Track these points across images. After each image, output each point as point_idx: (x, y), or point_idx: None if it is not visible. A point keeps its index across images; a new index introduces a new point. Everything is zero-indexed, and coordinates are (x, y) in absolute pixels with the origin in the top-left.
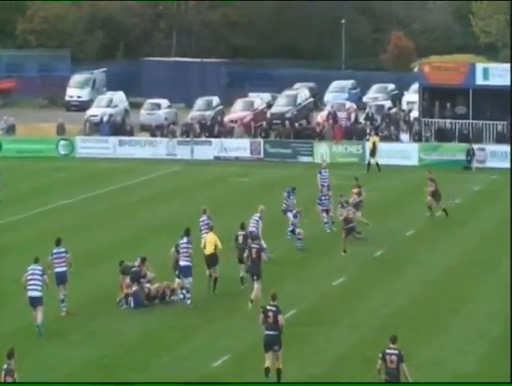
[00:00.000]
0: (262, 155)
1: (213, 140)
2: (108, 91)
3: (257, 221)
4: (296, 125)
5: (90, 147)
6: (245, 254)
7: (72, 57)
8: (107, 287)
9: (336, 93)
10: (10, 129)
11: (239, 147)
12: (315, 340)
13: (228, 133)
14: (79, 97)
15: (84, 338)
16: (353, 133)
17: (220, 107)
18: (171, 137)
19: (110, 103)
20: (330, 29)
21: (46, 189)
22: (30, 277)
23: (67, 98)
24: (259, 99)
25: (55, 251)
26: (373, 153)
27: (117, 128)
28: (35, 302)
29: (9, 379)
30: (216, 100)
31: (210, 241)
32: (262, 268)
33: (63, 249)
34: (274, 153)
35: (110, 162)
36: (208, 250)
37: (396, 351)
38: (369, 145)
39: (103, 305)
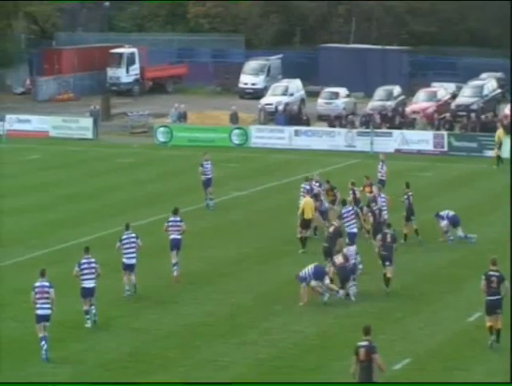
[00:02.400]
0: (445, 149)
1: (394, 131)
2: (283, 78)
3: None
4: (482, 117)
5: (265, 137)
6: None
7: (246, 42)
8: (278, 284)
9: None
10: (182, 117)
11: (421, 140)
12: None
13: (410, 124)
14: (253, 85)
15: (259, 338)
16: None
17: (402, 97)
18: (349, 128)
19: (286, 91)
20: None
21: (218, 180)
22: (85, 267)
23: (240, 85)
24: (443, 89)
25: (171, 219)
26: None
27: (293, 117)
28: (89, 293)
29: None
30: (397, 89)
31: (308, 205)
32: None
33: (178, 218)
34: (459, 146)
35: (285, 154)
36: (307, 215)
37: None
38: (497, 138)
39: (277, 303)
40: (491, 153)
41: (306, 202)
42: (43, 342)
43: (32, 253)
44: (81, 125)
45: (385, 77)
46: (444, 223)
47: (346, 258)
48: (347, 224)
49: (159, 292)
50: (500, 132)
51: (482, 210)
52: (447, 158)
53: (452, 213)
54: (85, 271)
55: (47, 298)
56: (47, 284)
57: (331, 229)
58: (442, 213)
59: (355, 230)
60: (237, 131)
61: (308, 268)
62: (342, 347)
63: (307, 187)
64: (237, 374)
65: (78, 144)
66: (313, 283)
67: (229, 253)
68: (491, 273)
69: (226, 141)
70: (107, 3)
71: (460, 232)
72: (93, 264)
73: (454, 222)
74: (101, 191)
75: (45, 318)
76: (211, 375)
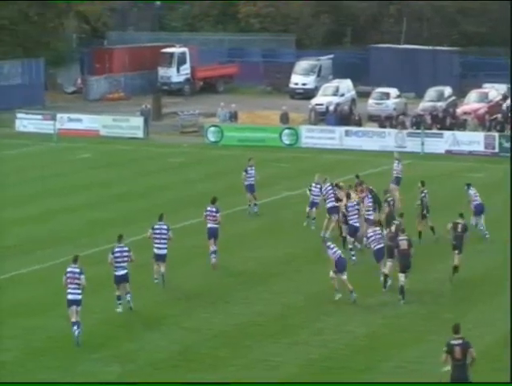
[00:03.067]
0: (496, 150)
1: (445, 132)
2: (334, 79)
3: None
4: None
5: (315, 137)
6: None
7: (297, 42)
8: (328, 285)
9: None
10: (232, 116)
11: (472, 141)
12: None
13: (461, 125)
14: (304, 85)
15: (311, 338)
16: None
17: (453, 98)
18: (400, 129)
19: (337, 91)
20: None
21: (269, 180)
22: (117, 256)
23: (291, 85)
24: (494, 90)
25: (208, 208)
26: None
27: (344, 118)
28: (120, 280)
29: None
30: (448, 90)
31: None
32: None
33: (214, 209)
34: (510, 148)
35: (336, 154)
36: None
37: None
38: None
39: (328, 304)
40: None
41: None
42: (75, 328)
43: (82, 252)
44: (132, 125)
45: (435, 78)
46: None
47: (410, 244)
48: (350, 218)
49: (210, 291)
50: None
51: None
52: (498, 160)
53: (478, 202)
54: (118, 259)
55: (78, 284)
56: (77, 270)
57: (393, 228)
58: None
59: (357, 224)
60: (287, 131)
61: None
62: (390, 348)
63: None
64: (288, 374)
65: (128, 143)
66: (331, 274)
67: (279, 253)
68: None
69: (276, 141)
70: (158, 2)
71: (481, 222)
72: (126, 253)
73: (478, 210)
74: (151, 191)
75: (75, 302)
76: (262, 375)
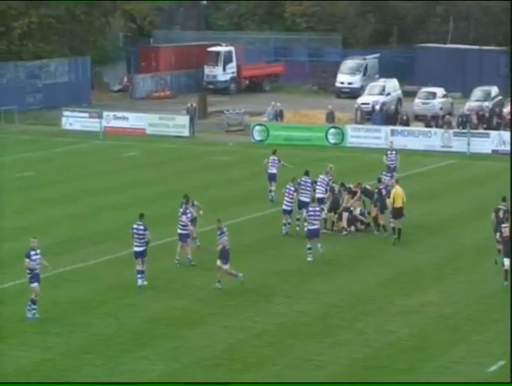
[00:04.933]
0: None
1: (491, 132)
2: (380, 78)
3: None
4: None
5: (361, 136)
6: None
7: (343, 42)
8: (370, 284)
9: None
10: (278, 115)
11: None
12: None
13: (507, 125)
14: (350, 84)
15: (353, 337)
16: None
17: (500, 98)
18: (446, 128)
19: (383, 91)
20: None
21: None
22: (134, 232)
23: (337, 84)
24: None
25: (135, 226)
26: None
27: (390, 117)
28: (137, 255)
29: None
30: (494, 90)
31: (399, 195)
32: None
33: (142, 227)
34: None
35: (381, 153)
36: (398, 203)
37: None
38: None
39: (370, 304)
40: None
41: (396, 191)
42: (139, 275)
43: (128, 249)
44: (178, 123)
45: (482, 78)
46: None
47: None
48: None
49: (254, 290)
50: None
51: None
52: None
53: None
54: (135, 236)
55: (142, 238)
56: (142, 227)
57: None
58: None
59: (307, 199)
60: (333, 130)
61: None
62: (435, 349)
63: (292, 189)
64: (332, 373)
65: (174, 142)
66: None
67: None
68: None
69: (322, 140)
70: (204, 2)
71: None
72: (141, 231)
73: None
74: (196, 189)
75: (141, 254)
76: (305, 374)
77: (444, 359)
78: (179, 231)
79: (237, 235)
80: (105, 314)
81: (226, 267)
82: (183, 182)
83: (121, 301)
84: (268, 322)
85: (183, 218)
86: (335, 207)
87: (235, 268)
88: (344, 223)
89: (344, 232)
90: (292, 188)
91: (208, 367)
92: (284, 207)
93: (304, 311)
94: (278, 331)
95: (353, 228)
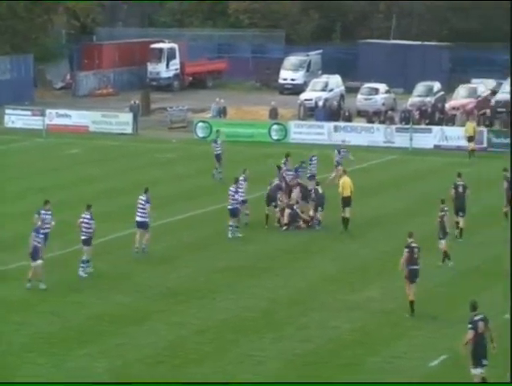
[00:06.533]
0: (485, 145)
1: (434, 128)
2: (323, 74)
3: None
4: None
5: (304, 132)
6: None
7: (286, 38)
8: (314, 280)
9: None
10: (221, 112)
11: (461, 136)
12: None
13: (449, 120)
14: (293, 80)
15: (296, 333)
16: None
17: (442, 93)
18: (388, 124)
19: (326, 87)
20: None
21: (257, 175)
22: (138, 205)
23: (280, 81)
24: (483, 85)
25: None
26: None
27: (333, 113)
28: (139, 225)
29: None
30: (437, 85)
31: (347, 184)
32: None
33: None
34: (499, 143)
35: (324, 149)
36: (346, 192)
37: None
38: (467, 131)
39: (314, 300)
40: None
41: (345, 181)
42: (83, 265)
43: (71, 247)
44: (121, 120)
45: (424, 73)
46: None
47: None
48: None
49: (198, 286)
50: (469, 126)
51: None
52: (486, 155)
53: None
54: (82, 225)
55: (89, 228)
56: (88, 217)
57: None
58: None
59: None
60: (276, 126)
61: None
62: (377, 344)
63: (233, 190)
64: (272, 369)
65: (117, 139)
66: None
67: (267, 249)
68: (412, 244)
69: (265, 137)
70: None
71: None
72: (86, 221)
73: None
74: (139, 186)
75: (86, 242)
76: (247, 370)
77: (386, 353)
78: (141, 219)
79: (181, 231)
80: (48, 312)
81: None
82: (126, 179)
83: (65, 298)
84: (212, 318)
85: (147, 206)
86: (270, 200)
87: (180, 264)
88: (285, 220)
89: (284, 228)
90: (233, 189)
91: (150, 364)
92: (228, 206)
93: (248, 307)
94: (221, 327)
95: (294, 225)
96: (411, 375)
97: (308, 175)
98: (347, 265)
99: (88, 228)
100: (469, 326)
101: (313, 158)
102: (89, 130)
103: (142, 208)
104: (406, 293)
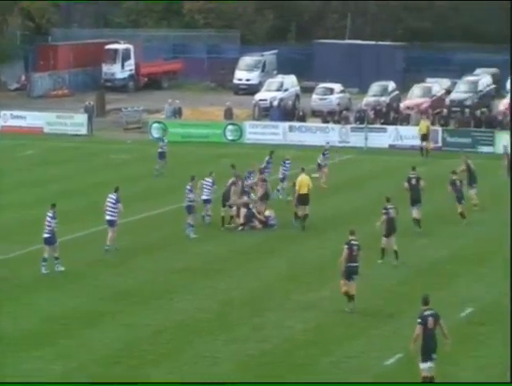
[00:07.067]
0: (439, 144)
1: (388, 127)
2: (278, 74)
3: None
4: (477, 113)
5: (259, 133)
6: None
7: (241, 38)
8: (268, 281)
9: None
10: (176, 113)
11: (416, 135)
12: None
13: (404, 120)
14: (248, 80)
15: (251, 333)
16: None
17: (396, 92)
18: (343, 124)
19: (281, 87)
20: None
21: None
22: (107, 204)
23: (235, 81)
24: (437, 85)
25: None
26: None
27: (288, 113)
28: (109, 224)
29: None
30: (391, 85)
31: (304, 182)
32: None
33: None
34: (453, 142)
35: (280, 149)
36: (303, 190)
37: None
38: (420, 130)
39: (269, 300)
40: (485, 149)
41: (302, 179)
42: (44, 263)
43: (29, 248)
44: (76, 121)
45: (379, 73)
46: None
47: None
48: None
49: (155, 287)
50: (422, 124)
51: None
52: (441, 154)
53: None
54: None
55: (49, 226)
56: (51, 215)
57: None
58: None
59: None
60: (231, 127)
61: None
62: (331, 343)
63: (189, 188)
64: (226, 370)
65: (72, 140)
66: None
67: (222, 250)
68: (352, 242)
69: (220, 137)
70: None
71: None
72: (49, 219)
73: None
74: (94, 187)
75: (48, 240)
76: (202, 371)
77: (341, 353)
78: (110, 217)
79: (137, 232)
80: (5, 313)
81: None
82: (81, 180)
83: (18, 300)
84: (168, 319)
85: (118, 205)
86: (225, 200)
87: (136, 266)
88: (241, 220)
89: (240, 228)
90: (189, 187)
91: (106, 366)
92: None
93: (204, 308)
94: (178, 328)
95: (249, 225)
96: (365, 375)
97: (280, 177)
98: (303, 265)
99: (49, 226)
100: (418, 320)
101: (287, 162)
102: (44, 131)
103: (112, 207)
104: (341, 290)
